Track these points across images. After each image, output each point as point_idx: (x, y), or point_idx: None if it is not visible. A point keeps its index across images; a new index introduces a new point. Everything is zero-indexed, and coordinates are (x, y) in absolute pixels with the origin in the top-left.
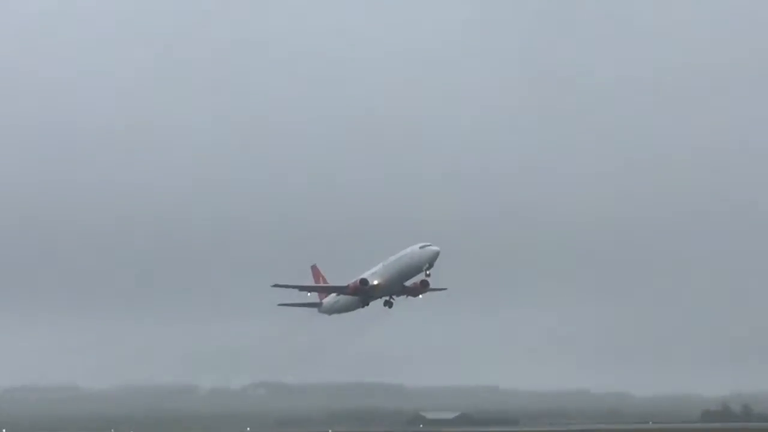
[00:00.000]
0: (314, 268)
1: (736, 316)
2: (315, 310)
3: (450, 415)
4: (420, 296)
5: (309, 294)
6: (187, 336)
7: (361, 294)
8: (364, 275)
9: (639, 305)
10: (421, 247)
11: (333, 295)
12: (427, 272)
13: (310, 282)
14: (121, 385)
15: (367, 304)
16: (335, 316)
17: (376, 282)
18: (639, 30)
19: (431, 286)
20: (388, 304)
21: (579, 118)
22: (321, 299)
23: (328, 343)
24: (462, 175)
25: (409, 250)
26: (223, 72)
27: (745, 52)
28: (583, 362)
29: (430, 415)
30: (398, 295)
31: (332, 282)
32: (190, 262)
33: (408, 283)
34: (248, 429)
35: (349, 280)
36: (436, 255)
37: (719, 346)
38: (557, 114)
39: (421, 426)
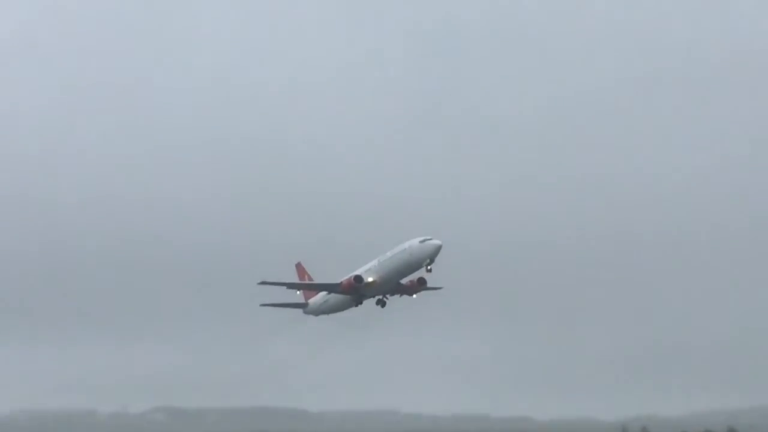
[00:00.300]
0: (299, 266)
1: (634, 339)
2: (300, 311)
3: None
4: (414, 296)
5: (299, 292)
6: (86, 359)
7: (354, 292)
8: (358, 272)
9: (540, 328)
10: (421, 242)
11: (321, 294)
12: (429, 268)
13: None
14: (16, 409)
15: (361, 303)
16: (323, 317)
17: (370, 279)
18: None
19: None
20: (381, 303)
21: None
22: (306, 299)
23: (231, 366)
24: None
25: (407, 244)
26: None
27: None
28: (485, 385)
29: None
30: (392, 294)
31: (319, 281)
32: (92, 277)
33: (404, 281)
34: None
35: (340, 277)
36: (438, 250)
37: (619, 369)
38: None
39: None
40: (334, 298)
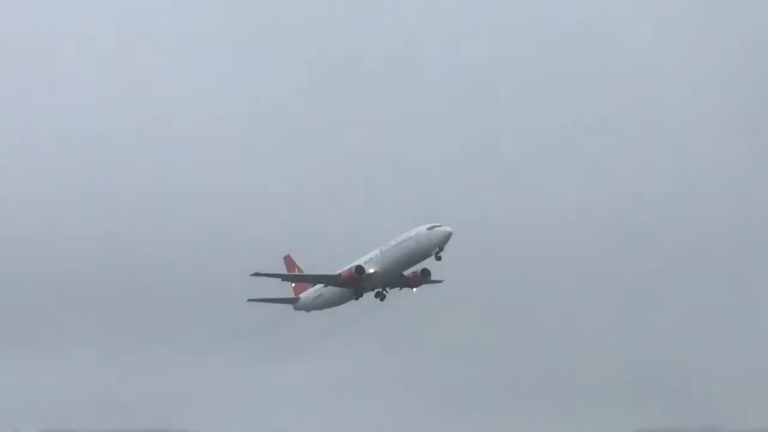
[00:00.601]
0: (288, 259)
1: (530, 362)
2: (290, 307)
3: None
4: (414, 289)
5: (294, 285)
6: None
7: (354, 284)
8: (359, 262)
9: (437, 352)
10: (429, 229)
11: (315, 288)
12: (438, 256)
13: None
14: None
15: (361, 296)
16: (315, 313)
17: (372, 270)
18: None
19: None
20: (381, 296)
21: None
22: (297, 294)
23: (125, 387)
24: None
25: (414, 232)
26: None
27: None
28: (382, 409)
29: None
30: (392, 287)
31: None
32: None
33: (406, 273)
34: None
35: (332, 270)
36: (448, 237)
37: (518, 392)
38: None
39: None
40: (329, 291)
